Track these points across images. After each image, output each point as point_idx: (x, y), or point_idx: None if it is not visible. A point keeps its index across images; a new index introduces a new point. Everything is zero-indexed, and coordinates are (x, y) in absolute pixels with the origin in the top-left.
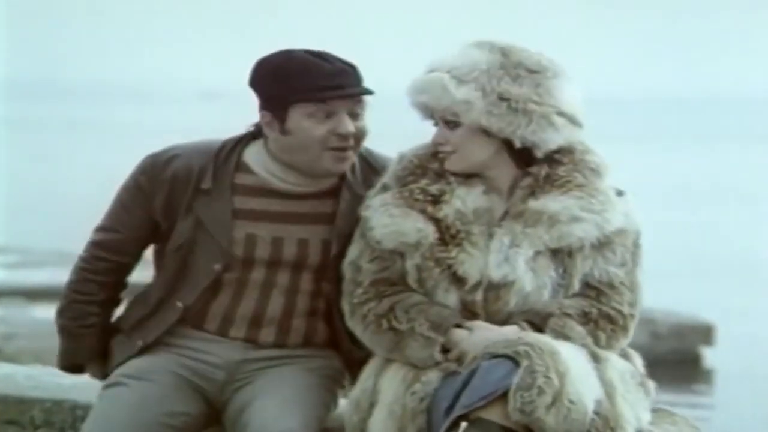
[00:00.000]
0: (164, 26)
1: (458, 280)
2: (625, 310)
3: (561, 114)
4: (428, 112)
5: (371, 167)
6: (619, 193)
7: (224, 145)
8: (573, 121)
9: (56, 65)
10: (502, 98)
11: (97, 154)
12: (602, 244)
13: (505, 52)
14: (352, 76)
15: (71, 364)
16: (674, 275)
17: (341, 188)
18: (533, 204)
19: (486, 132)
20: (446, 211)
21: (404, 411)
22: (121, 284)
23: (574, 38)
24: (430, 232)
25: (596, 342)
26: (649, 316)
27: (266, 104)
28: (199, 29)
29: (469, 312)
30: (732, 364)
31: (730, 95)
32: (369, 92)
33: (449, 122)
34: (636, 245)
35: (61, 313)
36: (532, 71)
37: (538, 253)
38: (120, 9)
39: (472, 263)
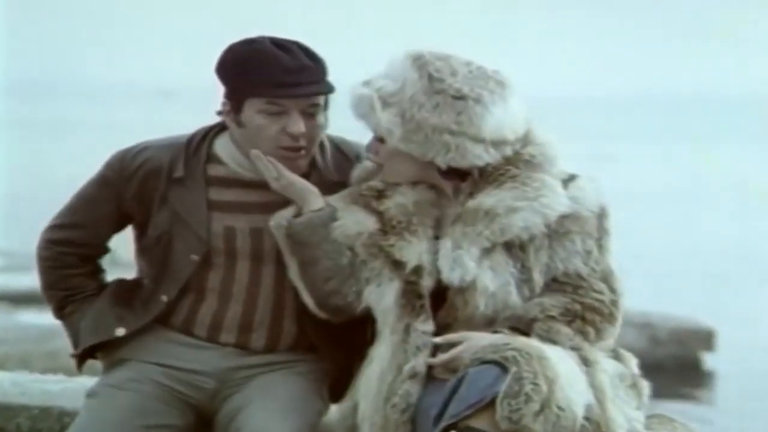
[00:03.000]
0: (121, 24)
1: (398, 266)
2: (606, 298)
3: (482, 141)
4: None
5: (344, 154)
6: (571, 178)
7: (194, 135)
8: (499, 144)
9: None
10: (419, 127)
11: (81, 156)
12: (557, 233)
13: (432, 77)
14: (312, 73)
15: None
16: (674, 278)
17: (310, 173)
18: (470, 203)
19: (410, 155)
20: (388, 205)
21: (386, 422)
22: (99, 267)
23: (564, 37)
24: (371, 223)
25: (585, 337)
26: (648, 321)
27: (226, 93)
28: (159, 26)
29: (445, 313)
30: (732, 369)
31: (724, 93)
32: (326, 91)
33: (379, 137)
34: (601, 229)
35: (60, 312)
36: (455, 98)
37: (487, 250)
38: (77, 9)
39: (409, 248)
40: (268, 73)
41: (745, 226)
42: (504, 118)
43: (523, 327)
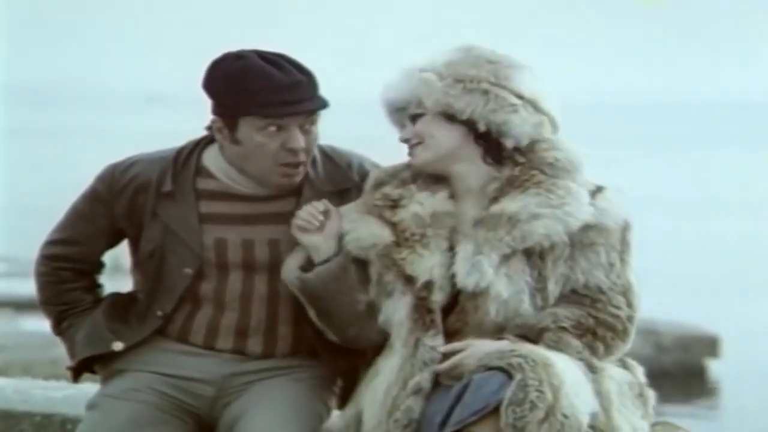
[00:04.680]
0: (118, 30)
1: (409, 281)
2: (623, 314)
3: (520, 96)
4: (397, 116)
5: (334, 163)
6: (599, 189)
7: (183, 148)
8: (536, 107)
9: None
10: (457, 80)
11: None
12: (581, 244)
13: (471, 47)
14: (307, 88)
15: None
16: (678, 285)
17: (303, 186)
18: (494, 208)
19: (449, 118)
20: (402, 216)
21: None
22: (95, 281)
23: (567, 42)
24: (386, 235)
25: (594, 353)
26: (653, 328)
27: (217, 110)
28: (154, 33)
29: (455, 318)
30: (736, 375)
31: (727, 99)
32: (323, 106)
33: (415, 116)
34: (624, 243)
35: (57, 327)
36: (491, 61)
37: (506, 257)
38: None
39: (421, 263)
40: (266, 92)
41: (749, 232)
42: (541, 90)
43: (532, 335)
